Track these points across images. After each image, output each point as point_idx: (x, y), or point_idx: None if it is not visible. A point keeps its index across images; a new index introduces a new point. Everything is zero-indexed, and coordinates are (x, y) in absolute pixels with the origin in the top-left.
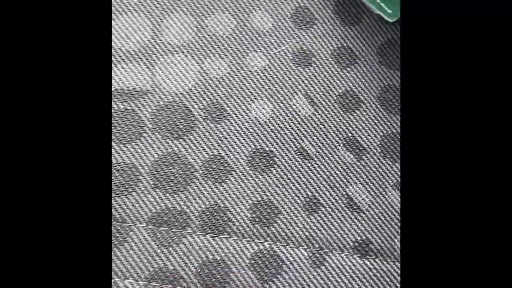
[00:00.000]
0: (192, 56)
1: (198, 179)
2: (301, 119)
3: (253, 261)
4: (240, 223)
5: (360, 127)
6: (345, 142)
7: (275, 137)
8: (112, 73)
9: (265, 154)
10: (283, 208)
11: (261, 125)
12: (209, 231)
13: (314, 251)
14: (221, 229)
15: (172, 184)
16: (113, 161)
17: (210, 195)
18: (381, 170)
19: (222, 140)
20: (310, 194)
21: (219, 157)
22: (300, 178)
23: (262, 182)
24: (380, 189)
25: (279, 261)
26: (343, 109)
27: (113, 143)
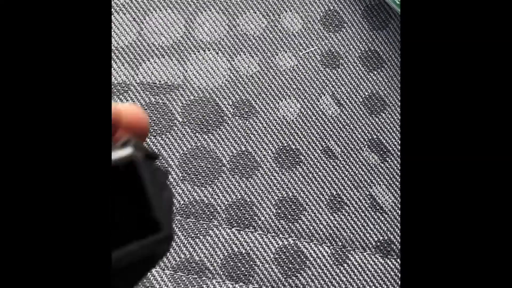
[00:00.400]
0: (223, 54)
1: (226, 173)
2: (328, 119)
3: (277, 256)
4: (265, 218)
5: (385, 130)
6: (369, 144)
7: (302, 136)
8: (145, 67)
9: (291, 152)
10: (308, 205)
11: (288, 123)
12: (235, 224)
13: (337, 249)
14: (246, 223)
15: (200, 177)
16: None
17: (237, 189)
18: None
19: (250, 137)
20: (334, 192)
21: (247, 153)
22: (325, 176)
23: (287, 179)
24: None
25: (302, 257)
26: (369, 111)
27: None
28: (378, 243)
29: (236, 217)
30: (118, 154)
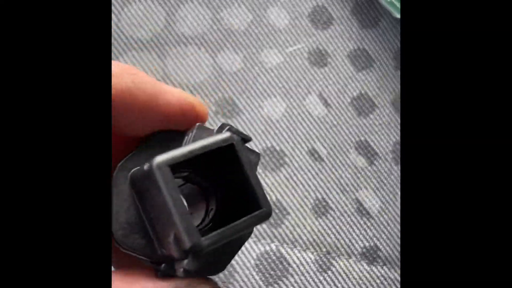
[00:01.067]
0: (206, 49)
1: None
2: (314, 119)
3: (258, 262)
4: None
5: (373, 132)
6: (357, 146)
7: (287, 137)
8: (122, 61)
9: (275, 153)
10: (292, 209)
11: (273, 123)
12: None
13: (321, 255)
14: None
15: None
16: None
17: None
18: (392, 177)
19: None
20: (319, 196)
21: None
22: (310, 179)
23: (271, 181)
24: (391, 195)
25: (285, 264)
26: (357, 112)
27: None
28: (364, 250)
29: None
30: (219, 137)
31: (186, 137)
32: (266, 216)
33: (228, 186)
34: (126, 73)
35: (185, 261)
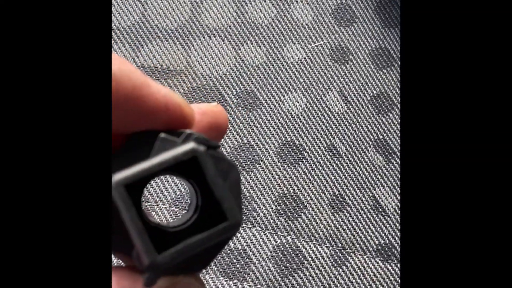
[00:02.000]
0: (229, 41)
1: None
2: (334, 116)
3: (274, 254)
4: (264, 214)
5: (392, 130)
6: (375, 144)
7: (306, 131)
8: (147, 50)
9: (294, 147)
10: (309, 203)
11: (293, 117)
12: None
13: (337, 250)
14: (244, 218)
15: None
16: None
17: None
18: None
19: (252, 129)
20: (336, 192)
21: (248, 146)
22: (328, 175)
23: (289, 175)
24: None
25: (300, 257)
26: (376, 110)
27: None
28: (379, 247)
29: None
30: (180, 149)
31: (152, 150)
32: (230, 229)
33: (203, 191)
34: (113, 60)
35: (146, 275)
